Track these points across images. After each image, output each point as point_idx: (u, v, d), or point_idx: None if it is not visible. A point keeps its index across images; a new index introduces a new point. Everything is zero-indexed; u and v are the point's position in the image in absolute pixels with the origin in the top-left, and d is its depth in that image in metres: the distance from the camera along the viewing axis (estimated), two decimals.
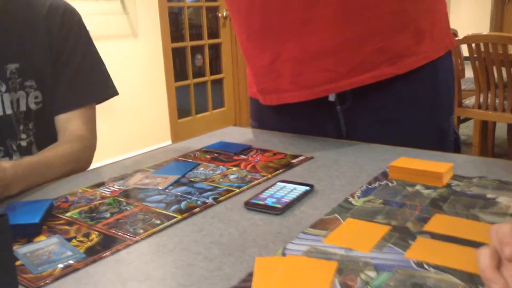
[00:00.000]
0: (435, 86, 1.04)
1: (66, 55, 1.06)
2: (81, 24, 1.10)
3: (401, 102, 1.02)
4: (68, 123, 1.06)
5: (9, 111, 0.98)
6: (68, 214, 0.73)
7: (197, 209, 0.73)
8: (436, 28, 1.01)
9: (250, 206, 0.72)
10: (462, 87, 3.22)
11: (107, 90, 1.12)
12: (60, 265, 0.58)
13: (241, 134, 1.18)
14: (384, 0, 0.93)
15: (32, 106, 1.01)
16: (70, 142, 1.03)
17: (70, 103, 1.06)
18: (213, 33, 4.73)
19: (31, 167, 0.90)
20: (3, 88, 0.97)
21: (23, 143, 1.00)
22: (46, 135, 1.01)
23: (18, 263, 0.58)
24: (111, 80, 1.14)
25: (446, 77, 1.05)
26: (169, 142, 4.14)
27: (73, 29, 1.07)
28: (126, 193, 0.81)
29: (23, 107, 1.00)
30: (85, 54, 1.09)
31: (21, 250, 0.61)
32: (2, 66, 0.98)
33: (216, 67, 4.84)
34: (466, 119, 3.44)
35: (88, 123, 1.08)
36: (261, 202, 0.73)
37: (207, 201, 0.76)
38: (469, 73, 3.24)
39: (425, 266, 0.53)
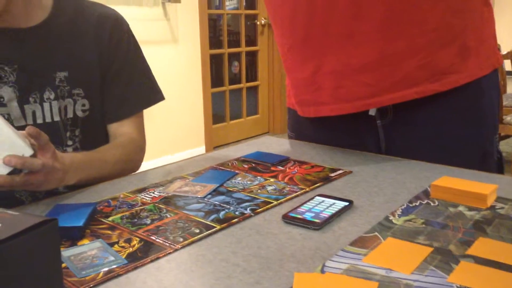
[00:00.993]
0: (479, 105, 1.01)
1: (117, 66, 1.08)
2: (130, 33, 1.13)
3: (443, 120, 1.01)
4: (120, 128, 1.10)
5: (57, 118, 1.01)
6: (110, 218, 0.75)
7: (236, 220, 0.73)
8: (482, 45, 0.99)
9: (288, 219, 0.72)
10: (504, 103, 3.14)
11: (155, 96, 1.16)
12: (103, 270, 0.59)
13: (278, 145, 1.18)
14: (430, 16, 0.92)
15: (79, 114, 1.04)
16: (122, 143, 1.07)
17: (123, 112, 1.10)
18: (251, 41, 4.76)
19: (86, 159, 0.96)
20: (52, 96, 1.00)
21: (69, 150, 1.03)
22: (92, 142, 1.04)
23: (62, 265, 0.60)
24: (158, 86, 1.17)
25: (491, 95, 1.03)
26: (203, 147, 4.17)
27: (123, 39, 1.10)
28: (166, 200, 0.82)
29: (70, 114, 1.03)
30: (134, 63, 1.13)
31: (66, 253, 0.63)
32: (52, 74, 1.00)
33: (252, 75, 4.86)
34: (507, 136, 3.35)
35: (138, 128, 1.13)
36: (299, 216, 0.72)
37: (245, 212, 0.76)
38: (511, 88, 3.16)
39: None
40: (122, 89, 1.09)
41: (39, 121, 0.99)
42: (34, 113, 0.99)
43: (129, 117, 1.10)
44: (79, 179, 0.92)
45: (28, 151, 0.78)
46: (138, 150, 1.11)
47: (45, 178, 0.82)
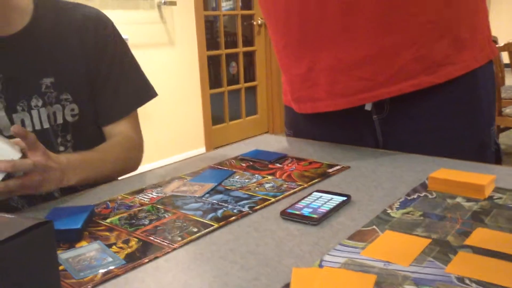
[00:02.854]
0: (475, 96, 1.01)
1: (106, 69, 1.07)
2: (115, 30, 1.10)
3: (440, 112, 1.01)
4: (116, 128, 1.09)
5: (46, 125, 1.00)
6: (108, 220, 0.75)
7: (234, 218, 0.73)
8: (476, 36, 0.99)
9: (286, 215, 0.72)
10: (502, 95, 3.14)
11: (147, 93, 1.15)
12: (101, 271, 0.59)
13: (276, 142, 1.18)
14: (423, 9, 0.92)
15: (69, 119, 1.03)
16: (119, 142, 1.07)
17: (117, 113, 1.09)
18: (248, 41, 4.76)
19: (85, 158, 0.95)
20: (40, 103, 0.99)
21: None
22: (85, 146, 1.02)
23: (60, 268, 0.60)
24: (149, 82, 1.16)
25: (486, 87, 1.03)
26: (203, 148, 4.17)
27: (108, 39, 1.08)
28: (164, 200, 0.82)
29: (60, 120, 1.02)
30: (123, 61, 1.11)
31: (64, 255, 0.63)
32: (37, 81, 0.99)
33: (250, 75, 4.86)
34: (507, 128, 3.34)
35: (134, 126, 1.12)
36: (297, 212, 0.72)
37: (243, 209, 0.76)
38: (509, 80, 3.16)
39: (467, 281, 0.52)
40: (113, 91, 1.09)
41: (29, 129, 0.98)
42: (23, 122, 0.98)
43: (123, 117, 1.10)
44: (79, 178, 0.92)
45: (16, 155, 0.78)
46: (136, 147, 1.11)
47: (42, 177, 0.82)
